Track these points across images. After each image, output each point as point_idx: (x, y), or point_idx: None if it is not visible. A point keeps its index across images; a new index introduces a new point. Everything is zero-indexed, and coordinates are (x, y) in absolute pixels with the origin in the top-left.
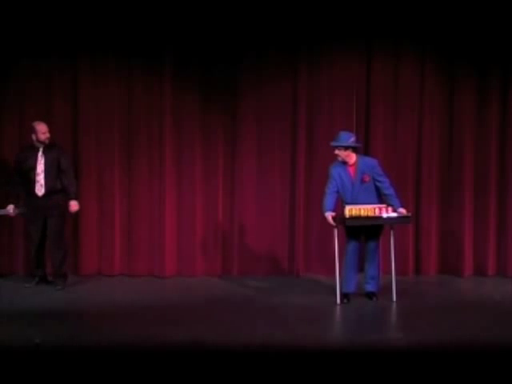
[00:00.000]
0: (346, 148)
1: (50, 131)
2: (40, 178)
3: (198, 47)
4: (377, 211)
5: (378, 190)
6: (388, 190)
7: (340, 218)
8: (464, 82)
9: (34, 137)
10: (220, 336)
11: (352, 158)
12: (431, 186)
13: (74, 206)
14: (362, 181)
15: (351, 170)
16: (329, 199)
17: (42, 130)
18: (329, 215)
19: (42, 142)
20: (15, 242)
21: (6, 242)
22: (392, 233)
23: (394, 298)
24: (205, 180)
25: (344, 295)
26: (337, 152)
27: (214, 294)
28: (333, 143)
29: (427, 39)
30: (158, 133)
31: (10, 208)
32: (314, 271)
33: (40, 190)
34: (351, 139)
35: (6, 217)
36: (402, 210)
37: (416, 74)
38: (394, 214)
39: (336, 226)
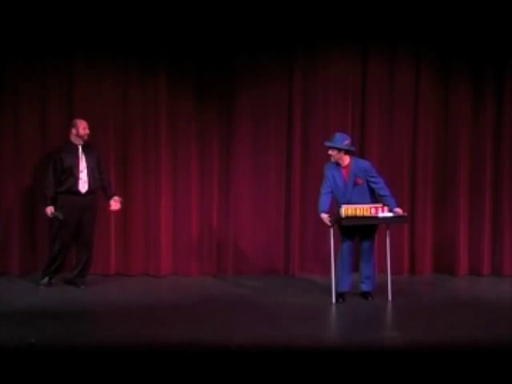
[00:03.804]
0: (340, 150)
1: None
2: (83, 175)
3: (192, 47)
4: (373, 211)
5: (371, 191)
6: (383, 191)
7: (336, 217)
8: (459, 82)
9: (74, 131)
10: (215, 336)
11: (345, 160)
12: (426, 186)
13: (116, 203)
14: (355, 183)
15: (344, 171)
16: (324, 200)
17: (82, 126)
18: (324, 216)
19: (81, 138)
20: (10, 241)
21: (1, 240)
22: (388, 232)
23: (390, 298)
24: (200, 180)
25: (339, 295)
26: (330, 152)
27: (210, 294)
28: (327, 143)
29: (422, 40)
30: (154, 133)
31: (49, 210)
32: (310, 271)
33: (83, 186)
34: (346, 142)
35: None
36: (398, 210)
37: (411, 74)
38: (390, 214)
39: (332, 226)
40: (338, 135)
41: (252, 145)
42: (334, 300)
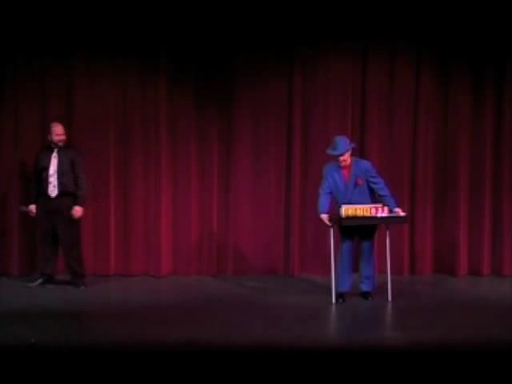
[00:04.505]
0: (347, 152)
1: (66, 133)
2: (53, 179)
3: (192, 47)
4: (373, 211)
5: (371, 191)
6: (383, 191)
7: (336, 217)
8: (459, 82)
9: (48, 137)
10: (215, 336)
11: (348, 160)
12: (426, 186)
13: (77, 211)
14: (356, 184)
15: (345, 172)
16: (323, 200)
17: (56, 132)
18: (324, 217)
19: (55, 144)
20: (9, 241)
21: (1, 241)
22: (387, 233)
23: (390, 298)
24: (200, 180)
25: (339, 295)
26: (341, 158)
27: (209, 294)
28: (335, 152)
29: (422, 40)
30: (154, 133)
31: (32, 208)
32: (310, 271)
33: (53, 191)
34: (348, 142)
35: (28, 214)
36: (398, 210)
37: (411, 74)
38: (390, 214)
39: (332, 226)
40: (340, 140)
41: (252, 145)
42: (333, 300)
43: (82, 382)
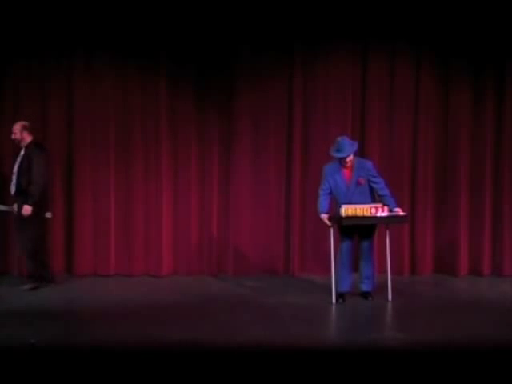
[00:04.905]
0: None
1: (20, 132)
2: (14, 177)
3: (192, 47)
4: (373, 211)
5: (372, 191)
6: (383, 191)
7: (336, 217)
8: (459, 81)
9: None
10: (215, 335)
11: (352, 160)
12: (427, 185)
13: (25, 210)
14: (358, 183)
15: (347, 172)
16: (323, 200)
17: (12, 130)
18: (324, 217)
19: (15, 142)
20: (9, 241)
21: (1, 241)
22: (387, 232)
23: (390, 298)
24: (200, 180)
25: (339, 295)
26: (348, 159)
27: (210, 294)
28: (340, 154)
29: (422, 40)
30: (154, 133)
31: (15, 207)
32: (310, 271)
33: (12, 189)
34: (351, 142)
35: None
36: (398, 210)
37: (411, 74)
38: (390, 214)
39: (332, 226)
40: (344, 141)
41: (252, 145)
42: (333, 300)
43: (82, 382)
